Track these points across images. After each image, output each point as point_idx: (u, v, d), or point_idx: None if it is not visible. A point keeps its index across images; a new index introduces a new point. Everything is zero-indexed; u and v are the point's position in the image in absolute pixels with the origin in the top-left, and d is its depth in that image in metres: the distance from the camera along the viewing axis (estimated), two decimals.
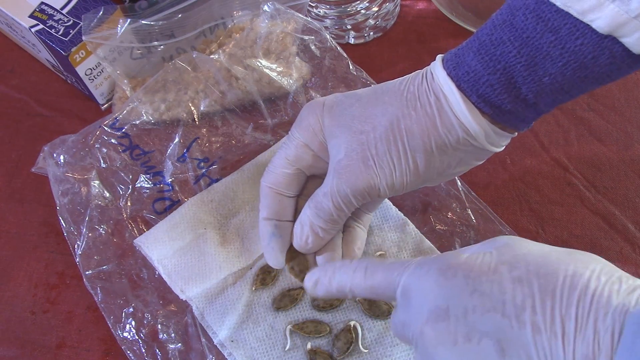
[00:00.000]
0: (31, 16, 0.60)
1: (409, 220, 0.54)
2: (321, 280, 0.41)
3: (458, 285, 0.32)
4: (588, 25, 0.34)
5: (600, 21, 0.34)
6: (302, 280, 0.46)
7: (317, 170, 0.46)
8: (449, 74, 0.40)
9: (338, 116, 0.43)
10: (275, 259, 0.47)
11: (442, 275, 0.33)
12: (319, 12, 0.64)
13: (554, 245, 0.53)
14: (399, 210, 0.54)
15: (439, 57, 0.42)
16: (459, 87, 0.39)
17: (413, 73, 0.43)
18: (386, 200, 0.54)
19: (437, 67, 0.41)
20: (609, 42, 0.35)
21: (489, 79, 0.38)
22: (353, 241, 0.48)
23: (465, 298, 0.32)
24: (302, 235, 0.45)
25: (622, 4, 0.33)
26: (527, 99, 0.39)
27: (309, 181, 0.48)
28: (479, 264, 0.33)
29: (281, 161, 0.46)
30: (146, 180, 0.56)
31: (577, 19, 0.34)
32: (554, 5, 0.35)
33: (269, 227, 0.47)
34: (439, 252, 0.52)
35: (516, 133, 0.42)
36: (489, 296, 0.31)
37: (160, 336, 0.50)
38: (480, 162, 0.43)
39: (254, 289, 0.50)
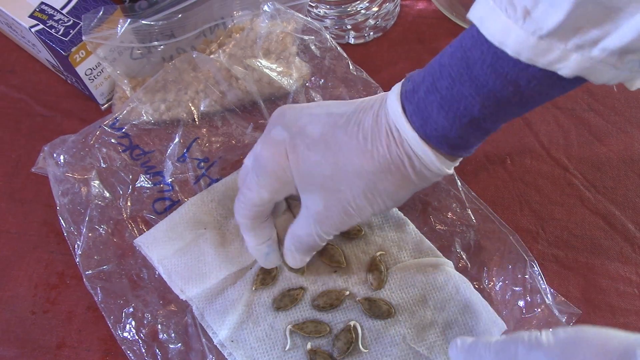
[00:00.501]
0: (31, 16, 0.60)
1: (408, 220, 0.54)
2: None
3: None
4: (545, 73, 0.36)
5: (566, 70, 0.35)
6: (302, 274, 0.51)
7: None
8: (418, 133, 0.40)
9: (308, 176, 0.44)
10: (276, 263, 0.50)
11: None
12: (319, 12, 0.64)
13: (554, 245, 0.54)
14: (399, 210, 0.54)
15: (395, 100, 0.41)
16: (430, 142, 0.40)
17: (360, 111, 0.43)
18: None
19: (403, 125, 0.40)
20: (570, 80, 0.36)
21: (457, 132, 0.40)
22: None
23: None
24: (294, 261, 0.49)
25: (586, 52, 0.34)
26: (489, 132, 0.41)
27: None
28: None
29: (252, 200, 0.47)
30: (146, 180, 0.56)
31: (535, 70, 0.36)
32: (510, 60, 0.36)
33: (262, 250, 0.50)
34: (438, 252, 0.52)
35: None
36: None
37: (160, 336, 0.50)
38: None
39: (254, 288, 0.50)
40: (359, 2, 0.62)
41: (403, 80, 0.42)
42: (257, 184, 0.46)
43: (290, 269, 0.51)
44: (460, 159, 0.43)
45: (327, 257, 0.52)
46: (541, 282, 0.50)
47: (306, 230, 0.46)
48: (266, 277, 0.51)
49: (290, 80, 0.59)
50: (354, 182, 0.42)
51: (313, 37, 0.60)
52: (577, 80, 0.36)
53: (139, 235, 0.54)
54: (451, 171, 0.42)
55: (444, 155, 0.41)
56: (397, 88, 0.42)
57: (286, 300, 0.50)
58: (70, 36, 0.59)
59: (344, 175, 0.42)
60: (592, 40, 0.33)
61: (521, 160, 0.58)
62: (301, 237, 0.47)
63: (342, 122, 0.43)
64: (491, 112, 0.38)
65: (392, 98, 0.41)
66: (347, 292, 0.50)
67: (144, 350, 0.49)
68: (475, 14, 0.37)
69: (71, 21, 0.59)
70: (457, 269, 0.52)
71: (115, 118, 0.58)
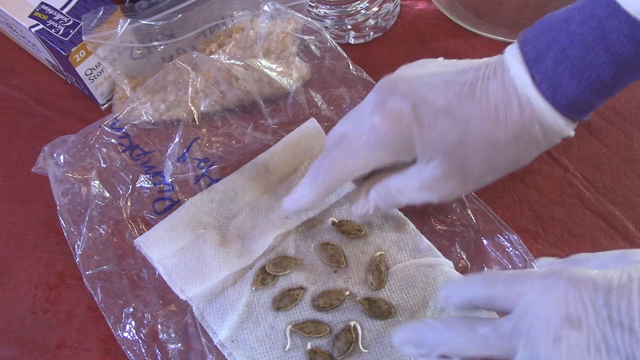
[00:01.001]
0: (31, 16, 0.60)
1: (408, 220, 0.54)
2: (450, 296, 0.43)
3: (589, 297, 0.34)
4: None
5: None
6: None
7: None
8: (549, 101, 0.41)
9: (433, 144, 0.43)
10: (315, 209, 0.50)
11: (572, 286, 0.35)
12: (319, 12, 0.64)
13: (554, 245, 0.54)
14: (399, 210, 0.54)
15: (522, 69, 0.41)
16: (561, 110, 0.41)
17: (482, 79, 0.43)
18: None
19: (535, 96, 0.41)
20: None
21: (587, 99, 0.41)
22: None
23: (596, 310, 0.34)
24: (363, 208, 0.48)
25: None
26: (612, 95, 0.42)
27: None
28: (609, 278, 0.34)
29: (351, 168, 0.46)
30: (146, 180, 0.56)
31: None
32: None
33: (316, 200, 0.48)
34: (438, 252, 0.52)
35: None
36: (618, 310, 0.33)
37: (160, 336, 0.50)
38: None
39: (254, 288, 0.50)
40: (359, 2, 0.62)
41: (517, 43, 0.42)
42: (368, 151, 0.45)
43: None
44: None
45: (327, 257, 0.52)
46: None
47: (406, 190, 0.46)
48: (266, 277, 0.51)
49: (290, 80, 0.59)
50: (483, 149, 0.42)
51: (313, 37, 0.60)
52: None
53: (139, 235, 0.54)
54: (573, 133, 0.43)
55: (570, 119, 0.42)
56: (515, 53, 0.42)
57: (286, 301, 0.50)
58: (70, 36, 0.59)
59: (472, 143, 0.42)
60: None
61: None
62: (392, 191, 0.46)
63: (466, 91, 0.43)
64: (622, 78, 0.39)
65: (517, 66, 0.41)
66: (347, 292, 0.50)
67: (144, 350, 0.49)
68: None
69: (71, 21, 0.59)
70: (457, 269, 0.52)
71: (115, 118, 0.58)
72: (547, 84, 0.41)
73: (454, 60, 0.46)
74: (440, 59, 0.47)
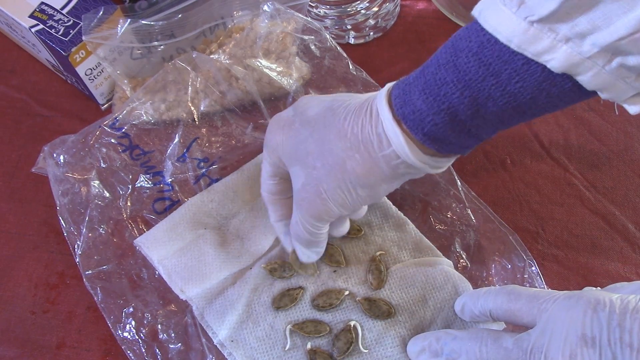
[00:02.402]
0: (31, 16, 0.60)
1: (408, 220, 0.54)
2: (467, 304, 0.46)
3: (605, 319, 0.36)
4: (528, 69, 0.36)
5: (554, 62, 0.35)
6: (312, 273, 0.51)
7: None
8: (394, 113, 0.40)
9: (295, 150, 0.45)
10: (302, 253, 0.50)
11: (591, 307, 0.37)
12: (319, 12, 0.64)
13: (554, 245, 0.54)
14: (399, 210, 0.54)
15: (386, 90, 0.42)
16: (405, 125, 0.40)
17: (357, 102, 0.44)
18: (386, 199, 0.54)
19: (382, 106, 0.41)
20: (560, 79, 0.36)
21: (433, 118, 0.39)
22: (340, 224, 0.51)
23: (610, 330, 0.35)
24: (302, 255, 0.50)
25: (575, 46, 0.34)
26: (470, 132, 0.40)
27: None
28: (626, 302, 0.36)
29: (265, 174, 0.50)
30: (146, 180, 0.56)
31: (518, 64, 0.36)
32: (495, 49, 0.36)
33: (281, 227, 0.51)
34: (438, 251, 0.52)
35: (458, 156, 0.44)
36: (630, 332, 0.35)
37: (160, 336, 0.50)
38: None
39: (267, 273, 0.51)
40: (359, 2, 0.62)
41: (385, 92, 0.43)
42: (264, 157, 0.48)
43: (300, 266, 0.51)
44: (440, 165, 0.43)
45: (327, 256, 0.52)
46: (540, 282, 0.50)
47: (294, 219, 0.47)
48: (277, 268, 0.51)
49: (290, 80, 0.59)
50: (326, 159, 0.43)
51: (313, 37, 0.60)
52: (562, 91, 0.36)
53: (139, 235, 0.54)
54: (421, 165, 0.41)
55: (419, 145, 0.41)
56: (386, 88, 0.42)
57: (286, 300, 0.50)
58: (70, 36, 0.59)
59: (320, 150, 0.43)
60: (582, 33, 0.33)
61: (521, 160, 0.58)
62: (292, 226, 0.48)
63: (337, 105, 0.44)
64: (469, 103, 0.38)
65: (386, 86, 0.42)
66: (347, 292, 0.50)
67: (144, 350, 0.49)
68: (476, 9, 0.38)
69: (71, 21, 0.59)
70: (457, 268, 0.52)
71: (115, 118, 0.58)
72: (400, 99, 0.40)
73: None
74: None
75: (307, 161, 0.44)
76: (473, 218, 0.54)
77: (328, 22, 0.64)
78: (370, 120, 0.41)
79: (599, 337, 0.36)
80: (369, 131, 0.41)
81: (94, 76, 0.61)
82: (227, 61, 0.58)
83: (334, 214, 0.45)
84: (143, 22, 0.57)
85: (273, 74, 0.59)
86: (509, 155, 0.58)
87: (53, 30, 0.59)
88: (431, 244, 0.53)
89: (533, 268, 0.51)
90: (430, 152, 0.41)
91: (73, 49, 0.58)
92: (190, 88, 0.58)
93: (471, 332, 0.43)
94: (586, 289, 0.40)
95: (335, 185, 0.43)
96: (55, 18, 0.60)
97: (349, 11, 0.63)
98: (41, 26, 0.59)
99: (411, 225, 0.53)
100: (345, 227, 0.51)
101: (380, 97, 0.41)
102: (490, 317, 0.44)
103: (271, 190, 0.50)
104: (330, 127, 0.43)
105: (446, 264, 0.51)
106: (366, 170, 0.42)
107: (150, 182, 0.56)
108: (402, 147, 0.40)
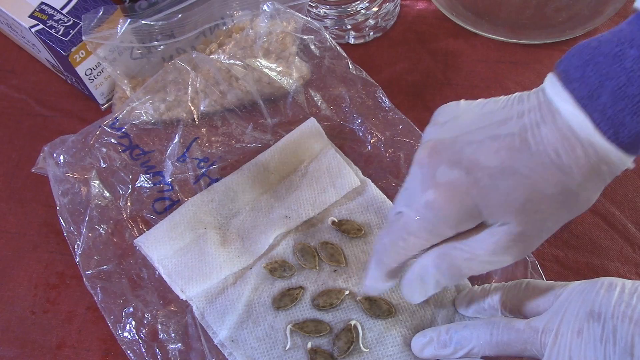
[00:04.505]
0: (31, 16, 0.60)
1: None
2: (475, 299, 0.47)
3: (615, 298, 0.38)
4: None
5: None
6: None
7: None
8: (611, 140, 0.38)
9: (500, 207, 0.40)
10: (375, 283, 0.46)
11: (604, 288, 0.39)
12: (319, 12, 0.64)
13: (554, 245, 0.54)
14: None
15: (577, 116, 0.38)
16: (621, 148, 0.38)
17: (530, 127, 0.40)
18: (386, 199, 0.54)
19: (598, 139, 0.38)
20: None
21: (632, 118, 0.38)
22: None
23: (617, 307, 0.38)
24: (422, 290, 0.44)
25: None
26: None
27: None
28: (637, 286, 0.39)
29: (413, 247, 0.43)
30: (146, 180, 0.56)
31: None
32: None
33: (385, 286, 0.46)
34: None
35: None
36: (634, 308, 0.37)
37: (160, 336, 0.50)
38: None
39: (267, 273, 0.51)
40: (359, 2, 0.62)
41: (558, 80, 0.39)
42: (428, 230, 0.41)
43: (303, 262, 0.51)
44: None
45: (327, 256, 0.52)
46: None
47: (476, 258, 0.41)
48: (277, 268, 0.51)
49: (290, 80, 0.59)
50: (555, 199, 0.40)
51: (313, 36, 0.60)
52: None
53: (139, 235, 0.54)
54: (633, 165, 0.40)
55: (632, 153, 0.39)
56: (561, 92, 0.39)
57: (286, 300, 0.50)
58: (70, 36, 0.59)
59: (543, 196, 0.40)
60: None
61: None
62: (459, 263, 0.42)
63: (519, 144, 0.40)
64: None
65: (569, 108, 0.39)
66: (347, 292, 0.50)
67: (144, 350, 0.49)
68: None
69: (71, 21, 0.59)
70: None
71: (115, 118, 0.58)
72: (608, 124, 0.38)
73: (479, 102, 0.43)
74: (463, 101, 0.44)
75: (526, 211, 0.40)
76: None
77: (328, 22, 0.64)
78: (589, 152, 0.39)
79: (605, 311, 0.38)
80: (596, 161, 0.39)
81: (94, 76, 0.61)
82: (227, 61, 0.58)
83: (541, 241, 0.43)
84: (143, 22, 0.57)
85: (273, 74, 0.59)
86: None
87: (53, 30, 0.59)
88: None
89: (533, 267, 0.51)
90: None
91: (73, 49, 0.58)
92: (190, 88, 0.58)
93: (482, 320, 0.43)
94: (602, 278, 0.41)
95: (566, 216, 0.41)
96: (55, 18, 0.60)
97: (349, 11, 0.63)
98: (41, 26, 0.59)
99: None
100: None
101: (583, 127, 0.38)
102: (500, 310, 0.45)
103: (407, 260, 0.44)
104: (541, 169, 0.39)
105: None
106: (597, 192, 0.40)
107: (150, 182, 0.56)
108: (626, 164, 0.39)
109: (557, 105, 0.39)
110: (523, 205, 0.39)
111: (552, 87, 0.39)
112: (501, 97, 0.42)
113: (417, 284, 0.43)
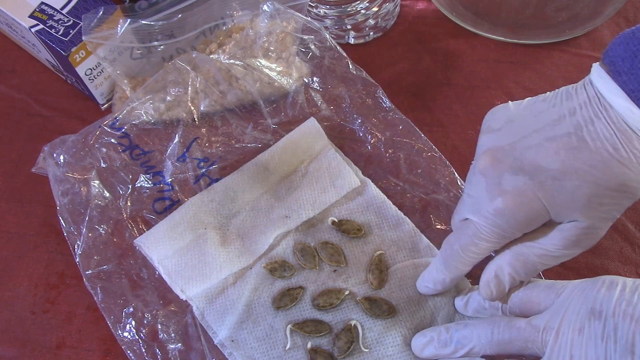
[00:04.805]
0: (31, 16, 0.60)
1: (407, 219, 0.54)
2: (474, 298, 0.48)
3: (616, 295, 0.38)
4: None
5: None
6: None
7: None
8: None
9: (568, 204, 0.41)
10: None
11: (605, 286, 0.39)
12: (319, 12, 0.64)
13: None
14: (399, 209, 0.54)
15: (626, 108, 0.39)
16: None
17: (583, 123, 0.41)
18: (386, 199, 0.54)
19: (622, 101, 0.39)
20: None
21: None
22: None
23: (617, 304, 0.38)
24: (499, 289, 0.45)
25: None
26: None
27: None
28: (638, 284, 0.38)
29: (484, 250, 0.45)
30: (146, 180, 0.56)
31: None
32: None
33: (446, 283, 0.48)
34: (437, 251, 0.52)
35: None
36: (635, 306, 0.37)
37: (160, 336, 0.50)
38: None
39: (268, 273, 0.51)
40: (359, 2, 0.62)
41: (606, 72, 0.40)
42: (500, 235, 0.43)
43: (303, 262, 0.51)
44: None
45: (327, 256, 0.52)
46: None
47: (548, 253, 0.43)
48: (277, 268, 0.51)
49: (290, 80, 0.59)
50: (618, 190, 0.41)
51: (313, 36, 0.60)
52: None
53: (139, 235, 0.54)
54: None
55: None
56: (611, 86, 0.40)
57: (286, 300, 0.50)
58: (70, 36, 0.59)
59: (606, 190, 0.41)
60: None
61: None
62: (533, 261, 0.44)
63: (576, 143, 0.41)
64: None
65: (621, 103, 0.39)
66: (347, 292, 0.50)
67: (144, 350, 0.49)
68: None
69: (71, 21, 0.59)
70: None
71: (115, 118, 0.58)
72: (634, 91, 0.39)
73: (527, 103, 0.44)
74: (511, 104, 0.44)
75: (591, 206, 0.41)
76: None
77: (328, 22, 0.64)
78: (609, 124, 0.40)
79: (606, 309, 0.37)
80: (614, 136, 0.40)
81: (94, 76, 0.61)
82: (227, 61, 0.58)
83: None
84: (143, 22, 0.57)
85: (273, 74, 0.59)
86: None
87: (53, 30, 0.59)
88: (431, 243, 0.53)
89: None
90: None
91: (73, 49, 0.58)
92: (190, 88, 0.58)
93: (483, 319, 0.44)
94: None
95: (627, 204, 0.42)
96: (55, 18, 0.60)
97: (349, 11, 0.63)
98: (41, 26, 0.59)
99: (410, 225, 0.53)
100: None
101: (636, 118, 0.39)
102: (501, 309, 0.45)
103: (475, 262, 0.46)
104: (603, 164, 0.40)
105: None
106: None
107: (150, 182, 0.56)
108: None
109: (609, 99, 0.40)
110: (588, 202, 0.41)
111: (601, 80, 0.40)
112: (547, 93, 0.44)
113: (494, 284, 0.45)
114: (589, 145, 0.40)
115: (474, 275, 0.51)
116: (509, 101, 0.45)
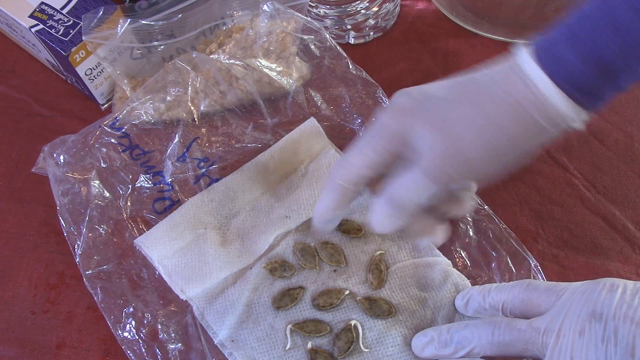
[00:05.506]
0: (31, 16, 0.60)
1: None
2: (474, 298, 0.47)
3: (617, 298, 0.38)
4: None
5: None
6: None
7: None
8: (553, 78, 0.40)
9: (430, 122, 0.42)
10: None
11: (606, 288, 0.39)
12: (319, 12, 0.64)
13: (554, 245, 0.54)
14: None
15: (525, 53, 0.41)
16: (555, 81, 0.40)
17: (492, 67, 0.42)
18: None
19: (534, 68, 0.40)
20: None
21: (586, 71, 0.39)
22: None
23: (618, 307, 0.38)
24: (377, 221, 0.45)
25: None
26: (620, 87, 0.40)
27: None
28: (639, 286, 0.39)
29: (361, 163, 0.45)
30: (146, 180, 0.56)
31: None
32: None
33: (329, 215, 0.48)
34: (437, 251, 0.52)
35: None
36: (636, 309, 0.38)
37: (160, 336, 0.50)
38: None
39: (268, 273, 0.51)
40: (359, 2, 0.62)
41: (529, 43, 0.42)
42: (371, 145, 0.44)
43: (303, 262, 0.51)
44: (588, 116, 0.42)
45: (327, 256, 0.52)
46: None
47: (411, 187, 0.43)
48: (277, 268, 0.51)
49: (290, 80, 0.59)
50: (481, 127, 0.41)
51: (313, 36, 0.60)
52: None
53: (139, 235, 0.54)
54: (580, 125, 0.41)
55: (577, 104, 0.40)
56: (523, 48, 0.41)
57: (286, 300, 0.50)
58: (70, 36, 0.59)
59: (468, 118, 0.41)
60: None
61: None
62: (399, 193, 0.44)
63: (467, 79, 0.43)
64: (620, 53, 0.38)
65: (522, 49, 0.41)
66: (347, 292, 0.50)
67: (144, 350, 0.49)
68: None
69: (71, 21, 0.59)
70: (457, 268, 0.52)
71: (115, 118, 0.58)
72: (551, 60, 0.40)
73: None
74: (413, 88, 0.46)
75: (447, 129, 0.41)
76: (473, 218, 0.54)
77: (328, 22, 0.64)
78: (527, 85, 0.40)
79: (607, 312, 0.38)
80: (533, 95, 0.40)
81: (94, 76, 0.61)
82: (227, 61, 0.58)
83: (470, 178, 0.44)
84: (143, 22, 0.57)
85: (273, 74, 0.59)
86: None
87: (53, 30, 0.59)
88: (431, 243, 0.53)
89: (534, 268, 0.51)
90: (585, 109, 0.41)
91: (73, 49, 0.58)
92: (190, 88, 0.58)
93: (484, 320, 0.44)
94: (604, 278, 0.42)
95: (489, 156, 0.41)
96: (55, 18, 0.60)
97: (349, 11, 0.63)
98: (41, 26, 0.59)
99: None
100: (468, 206, 0.49)
101: (524, 58, 0.40)
102: (501, 310, 0.45)
103: (351, 181, 0.45)
104: (475, 94, 0.41)
105: (445, 263, 0.51)
106: (529, 139, 0.41)
107: (150, 182, 0.56)
108: (568, 114, 0.40)
109: (515, 50, 0.41)
110: (446, 123, 0.42)
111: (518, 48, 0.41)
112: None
113: (375, 214, 0.45)
114: (476, 78, 0.42)
115: (473, 275, 0.51)
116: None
